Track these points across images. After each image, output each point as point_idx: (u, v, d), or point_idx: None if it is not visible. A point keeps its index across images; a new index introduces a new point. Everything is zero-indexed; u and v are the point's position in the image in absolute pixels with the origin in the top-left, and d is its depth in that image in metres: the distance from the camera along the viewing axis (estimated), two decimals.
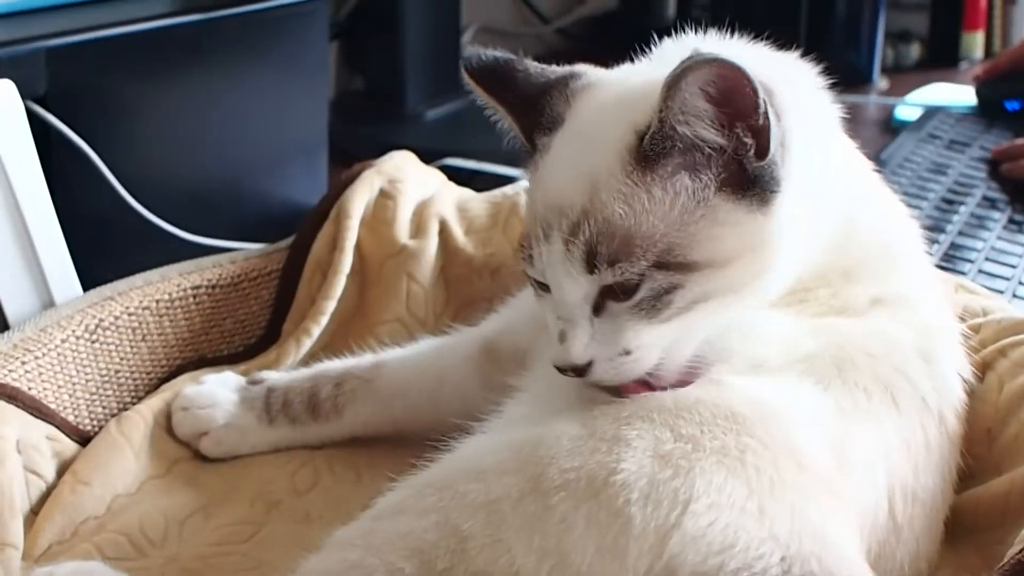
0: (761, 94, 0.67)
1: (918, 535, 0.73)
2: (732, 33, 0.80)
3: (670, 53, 0.78)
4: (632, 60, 0.82)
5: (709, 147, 0.69)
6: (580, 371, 0.71)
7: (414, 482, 0.70)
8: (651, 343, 0.71)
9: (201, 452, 0.93)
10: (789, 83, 0.74)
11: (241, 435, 0.94)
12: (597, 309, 0.71)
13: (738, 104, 0.67)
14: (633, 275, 0.69)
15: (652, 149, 0.69)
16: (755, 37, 0.81)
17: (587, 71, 0.79)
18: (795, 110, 0.72)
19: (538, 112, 0.76)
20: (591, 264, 0.69)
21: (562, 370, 0.71)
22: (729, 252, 0.70)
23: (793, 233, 0.72)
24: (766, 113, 0.68)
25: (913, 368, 0.75)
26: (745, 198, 0.70)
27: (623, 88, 0.75)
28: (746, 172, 0.69)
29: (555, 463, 0.65)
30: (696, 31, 0.80)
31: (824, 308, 0.77)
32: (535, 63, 0.80)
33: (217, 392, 0.94)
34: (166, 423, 0.94)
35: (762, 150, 0.69)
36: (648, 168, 0.69)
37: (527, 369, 0.83)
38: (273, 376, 0.96)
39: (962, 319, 0.86)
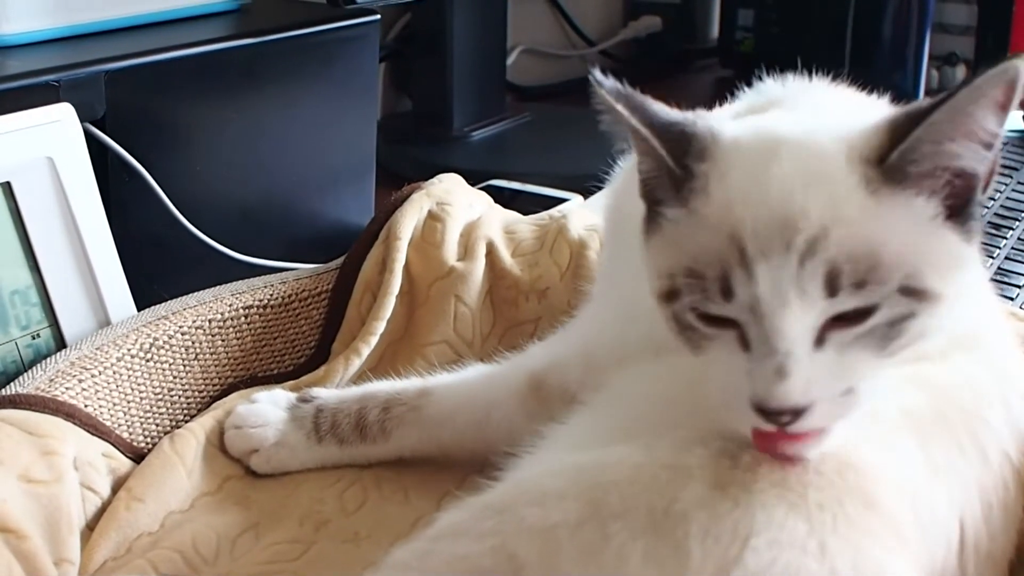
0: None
1: None
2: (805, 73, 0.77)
3: (772, 96, 0.75)
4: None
5: (951, 173, 0.64)
6: (796, 413, 0.63)
7: (475, 503, 0.69)
8: (872, 379, 0.64)
9: (252, 468, 0.95)
10: None
11: (291, 453, 0.95)
12: (817, 341, 0.63)
13: (991, 130, 0.63)
14: (878, 299, 0.62)
15: (899, 167, 0.63)
16: (803, 61, 0.79)
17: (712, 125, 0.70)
18: None
19: (686, 140, 0.67)
20: (833, 286, 0.62)
21: (770, 414, 0.63)
22: (951, 285, 0.64)
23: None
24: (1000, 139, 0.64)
25: (997, 419, 0.73)
26: (963, 231, 0.65)
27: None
28: (968, 203, 0.65)
29: (615, 490, 0.64)
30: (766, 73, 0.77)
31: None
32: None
33: (268, 412, 0.95)
34: (218, 441, 0.95)
35: (990, 180, 0.65)
36: (891, 186, 0.63)
37: (595, 390, 0.81)
38: (323, 395, 0.97)
39: None
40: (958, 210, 0.65)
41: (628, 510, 0.64)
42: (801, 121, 0.69)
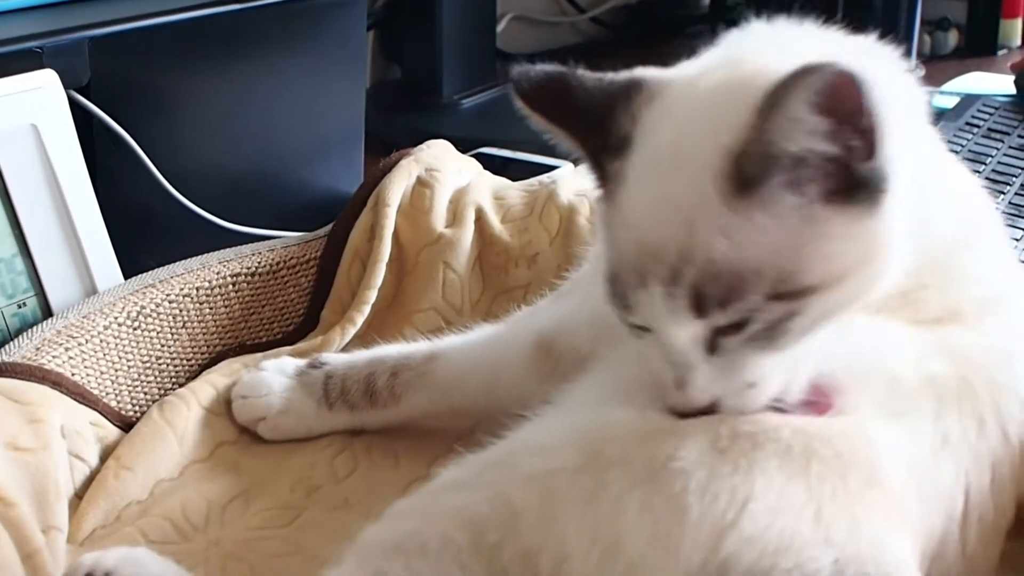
0: (869, 93, 0.61)
1: (989, 558, 0.71)
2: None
3: (741, 46, 0.71)
4: (688, 54, 0.74)
5: (815, 158, 0.62)
6: (706, 411, 0.66)
7: (476, 459, 0.70)
8: (772, 371, 0.66)
9: (260, 435, 0.95)
10: (876, 69, 0.66)
11: (299, 419, 0.94)
12: (711, 348, 0.65)
13: (847, 108, 0.61)
14: (747, 312, 0.63)
15: (752, 172, 0.62)
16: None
17: (648, 78, 0.70)
18: (888, 98, 0.65)
19: (603, 133, 0.69)
20: (700, 307, 0.63)
21: (684, 415, 0.67)
22: (843, 267, 0.64)
23: (900, 231, 0.66)
24: (875, 114, 0.62)
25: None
26: (853, 204, 0.63)
27: (698, 99, 0.67)
28: (852, 176, 0.63)
29: (616, 442, 0.65)
30: (760, 16, 0.73)
31: (937, 311, 0.73)
32: (589, 74, 0.71)
33: (273, 380, 0.95)
34: (213, 406, 0.95)
35: (871, 149, 0.63)
36: (748, 193, 0.62)
37: (595, 359, 0.80)
38: (333, 360, 0.96)
39: None
40: (842, 185, 0.63)
41: (628, 460, 0.64)
42: (691, 121, 0.66)
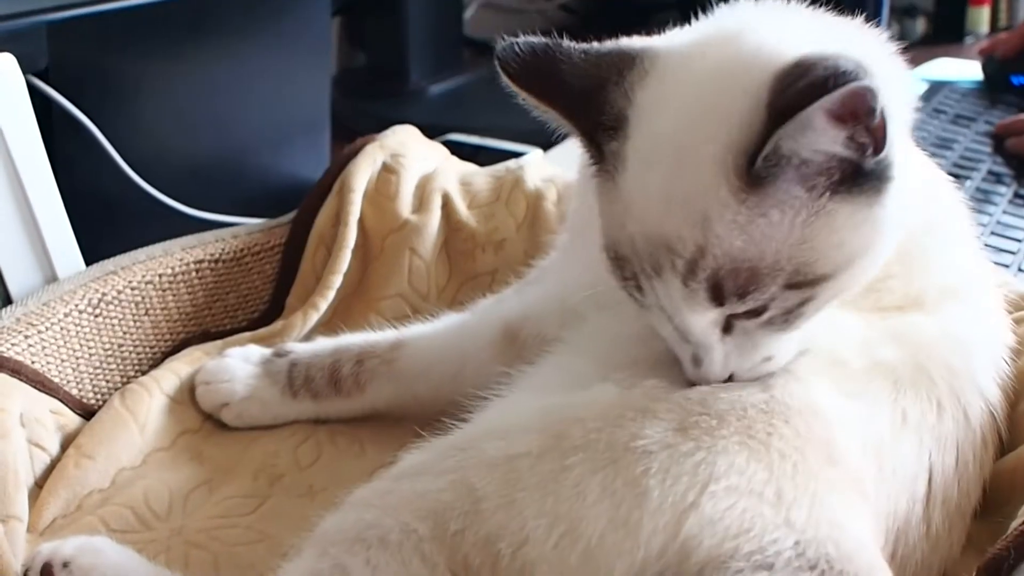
0: (879, 97, 0.61)
1: (953, 541, 0.72)
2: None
3: (732, 23, 0.69)
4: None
5: (825, 156, 0.63)
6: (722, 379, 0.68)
7: (439, 443, 0.69)
8: (787, 346, 0.68)
9: (224, 422, 0.94)
10: (874, 59, 0.66)
11: (262, 407, 0.94)
12: (726, 329, 0.67)
13: (859, 113, 0.61)
14: (764, 301, 0.64)
15: (765, 171, 0.62)
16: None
17: (638, 50, 0.69)
18: (886, 88, 0.64)
19: (597, 111, 0.68)
20: (718, 298, 0.64)
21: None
22: (853, 253, 0.65)
23: (899, 212, 0.67)
24: (882, 110, 0.62)
25: (983, 377, 0.74)
26: (861, 194, 0.64)
27: (698, 82, 0.66)
28: (860, 169, 0.64)
29: (580, 424, 0.65)
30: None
31: (899, 299, 0.75)
32: (576, 46, 0.69)
33: (236, 367, 0.94)
34: (176, 395, 0.94)
35: (879, 145, 0.63)
36: (761, 190, 0.62)
37: (575, 326, 0.81)
38: (298, 349, 0.95)
39: None
40: (849, 177, 0.64)
41: (589, 443, 0.64)
42: (693, 107, 0.66)
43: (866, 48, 0.69)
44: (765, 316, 0.66)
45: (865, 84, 0.59)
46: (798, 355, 0.70)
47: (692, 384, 0.68)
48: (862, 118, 0.62)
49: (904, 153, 0.68)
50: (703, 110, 0.65)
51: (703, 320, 0.66)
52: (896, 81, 0.70)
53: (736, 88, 0.63)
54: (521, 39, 0.69)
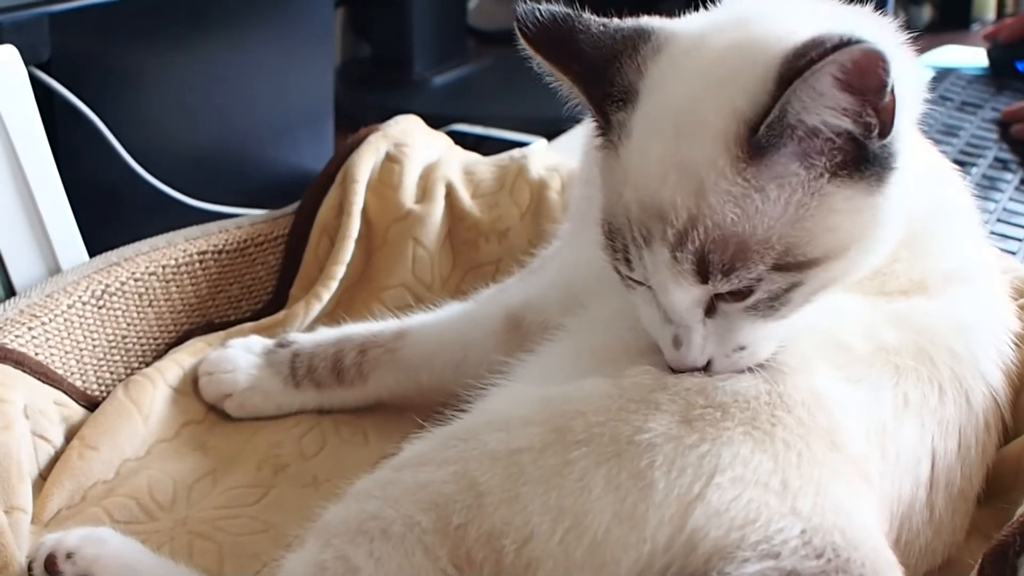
0: (891, 72, 0.61)
1: (957, 526, 0.72)
2: None
3: (747, 7, 0.70)
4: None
5: (830, 132, 0.62)
6: (699, 370, 0.67)
7: (441, 433, 0.69)
8: (767, 337, 0.67)
9: (228, 413, 0.94)
10: (888, 45, 0.66)
11: (265, 397, 0.93)
12: (709, 311, 0.66)
13: (868, 85, 0.61)
14: (750, 281, 0.64)
15: (767, 140, 0.62)
16: None
17: (655, 27, 0.70)
18: (896, 77, 0.64)
19: (608, 81, 0.68)
20: (704, 273, 0.64)
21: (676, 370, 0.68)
22: (847, 240, 0.64)
23: (900, 205, 0.67)
24: (892, 90, 0.62)
25: (986, 361, 0.74)
26: (862, 180, 0.64)
27: (710, 58, 0.66)
28: (864, 152, 0.63)
29: (582, 417, 0.64)
30: None
31: (904, 284, 0.74)
32: (595, 19, 0.70)
33: (239, 357, 0.94)
34: (180, 385, 0.94)
35: (886, 127, 0.63)
36: (760, 162, 0.62)
37: (576, 314, 0.80)
38: (300, 339, 0.95)
39: None
40: (852, 160, 0.63)
41: (592, 437, 0.63)
42: (702, 81, 0.66)
43: (878, 38, 0.67)
44: (750, 300, 0.65)
45: (877, 49, 0.59)
46: (798, 344, 0.69)
47: (672, 370, 0.67)
48: (870, 93, 0.61)
49: (909, 146, 0.67)
50: (713, 82, 0.65)
51: (687, 297, 0.65)
52: (906, 72, 0.69)
53: (748, 63, 0.64)
54: (543, 4, 0.70)
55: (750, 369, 0.67)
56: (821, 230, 0.63)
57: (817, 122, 0.62)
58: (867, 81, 0.61)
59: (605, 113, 0.68)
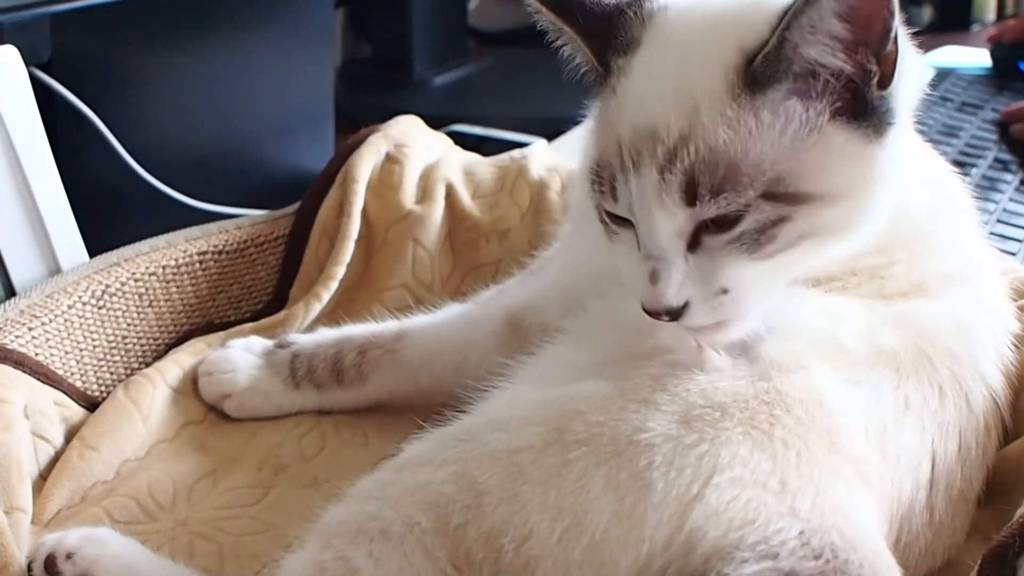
0: (896, 18, 0.61)
1: (957, 528, 0.72)
2: None
3: None
4: None
5: (829, 73, 0.63)
6: (674, 314, 0.65)
7: (440, 433, 0.69)
8: (750, 281, 0.65)
9: (227, 413, 0.94)
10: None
11: (265, 398, 0.94)
12: (691, 245, 0.65)
13: (871, 28, 0.61)
14: (738, 206, 0.63)
15: (764, 72, 0.62)
16: None
17: None
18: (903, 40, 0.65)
19: (611, 33, 0.69)
20: (691, 195, 0.63)
21: (653, 314, 0.66)
22: (840, 185, 0.64)
23: (896, 172, 0.67)
24: (896, 38, 0.62)
25: (986, 363, 0.74)
26: (860, 128, 0.64)
27: (713, 8, 0.68)
28: (863, 101, 0.64)
29: (582, 417, 0.64)
30: None
31: (903, 286, 0.74)
32: None
33: (239, 357, 0.94)
34: (180, 386, 0.94)
35: (886, 79, 0.64)
36: (757, 91, 0.63)
37: (575, 316, 0.80)
38: (300, 340, 0.95)
39: None
40: (850, 107, 0.64)
41: (592, 437, 0.63)
42: (708, 23, 0.67)
43: None
44: (736, 230, 0.64)
45: None
46: (796, 344, 0.69)
47: (648, 314, 0.66)
48: (873, 37, 0.62)
49: (908, 129, 0.68)
50: (718, 22, 0.66)
51: (670, 225, 0.64)
52: (908, 54, 0.69)
53: (755, 9, 0.65)
54: None
55: (748, 368, 0.67)
56: (816, 168, 0.64)
57: (815, 56, 0.62)
58: (871, 24, 0.61)
59: (607, 62, 0.69)
